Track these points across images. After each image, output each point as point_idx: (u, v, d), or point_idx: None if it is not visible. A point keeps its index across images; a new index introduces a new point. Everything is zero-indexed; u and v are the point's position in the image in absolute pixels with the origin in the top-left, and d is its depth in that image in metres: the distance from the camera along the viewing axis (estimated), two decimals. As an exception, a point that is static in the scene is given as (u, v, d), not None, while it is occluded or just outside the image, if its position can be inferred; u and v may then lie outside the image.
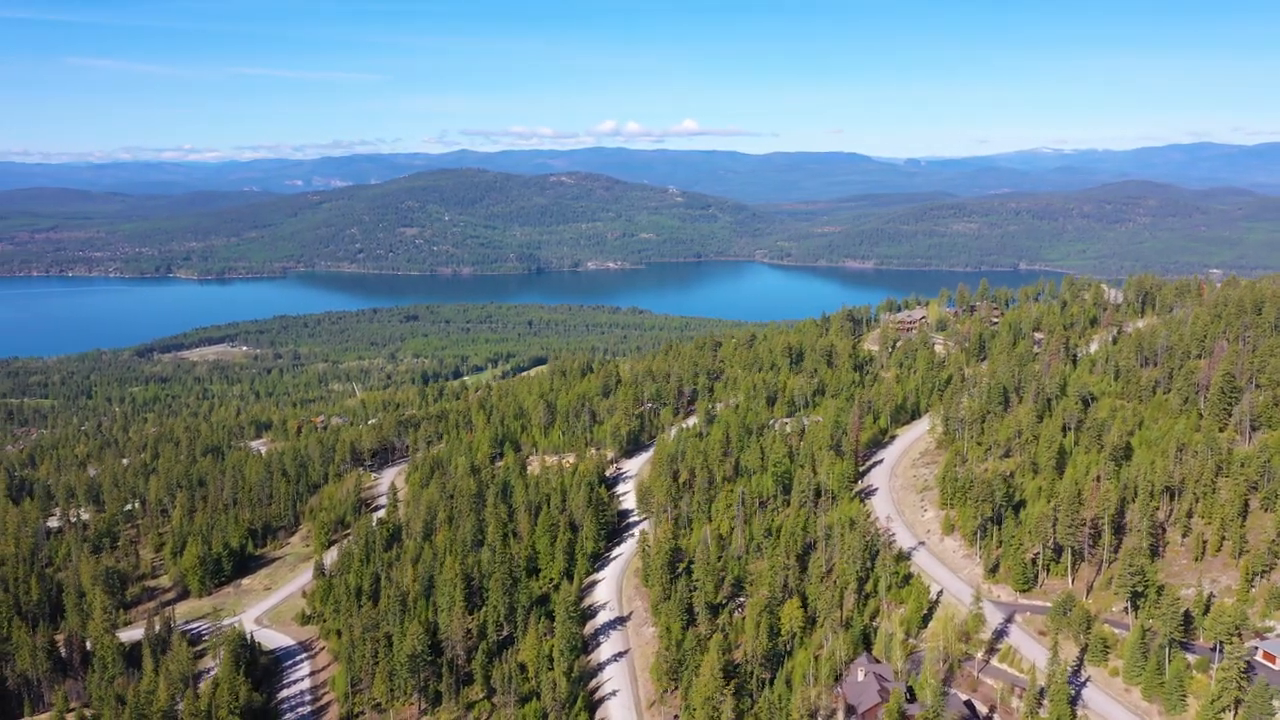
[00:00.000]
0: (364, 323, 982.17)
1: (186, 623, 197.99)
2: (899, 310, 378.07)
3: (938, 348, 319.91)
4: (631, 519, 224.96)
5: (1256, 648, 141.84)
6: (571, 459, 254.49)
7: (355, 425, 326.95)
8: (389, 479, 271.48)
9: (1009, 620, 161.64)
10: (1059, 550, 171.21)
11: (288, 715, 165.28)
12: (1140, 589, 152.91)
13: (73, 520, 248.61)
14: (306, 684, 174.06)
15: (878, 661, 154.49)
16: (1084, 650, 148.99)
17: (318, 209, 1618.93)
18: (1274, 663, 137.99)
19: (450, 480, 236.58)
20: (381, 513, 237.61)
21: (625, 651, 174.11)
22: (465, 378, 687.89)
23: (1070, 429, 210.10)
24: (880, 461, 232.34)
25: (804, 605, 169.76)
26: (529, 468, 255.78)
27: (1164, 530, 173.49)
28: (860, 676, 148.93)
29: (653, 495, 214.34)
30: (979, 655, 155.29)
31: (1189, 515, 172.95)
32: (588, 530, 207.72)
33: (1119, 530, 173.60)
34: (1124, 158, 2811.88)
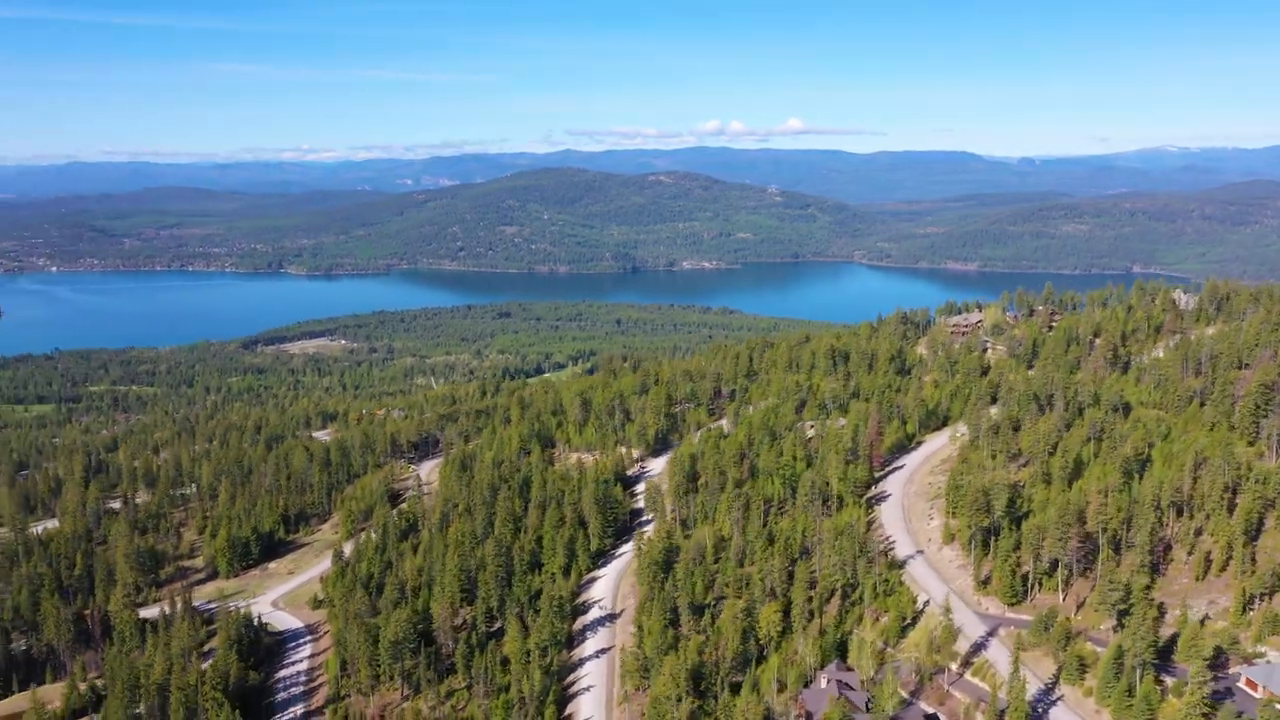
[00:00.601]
0: (458, 319, 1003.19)
1: (209, 602, 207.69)
2: (958, 313, 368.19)
3: (990, 353, 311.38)
4: (644, 518, 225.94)
5: (1239, 674, 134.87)
6: (600, 456, 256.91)
7: (410, 418, 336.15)
8: (425, 471, 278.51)
9: (991, 634, 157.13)
10: (1055, 564, 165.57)
11: (281, 694, 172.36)
12: (1125, 607, 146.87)
13: (128, 502, 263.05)
14: (305, 665, 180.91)
15: (849, 670, 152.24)
16: (1061, 668, 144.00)
17: (423, 208, 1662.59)
18: (1255, 690, 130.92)
19: (473, 474, 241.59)
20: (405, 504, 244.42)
21: (609, 648, 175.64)
22: (547, 374, 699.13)
23: (1093, 439, 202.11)
24: (901, 467, 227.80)
25: (787, 610, 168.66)
26: (557, 464, 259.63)
27: (1169, 547, 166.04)
28: (823, 684, 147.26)
29: (657, 495, 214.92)
30: (954, 668, 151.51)
31: (1198, 533, 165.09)
32: (593, 527, 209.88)
33: (1122, 546, 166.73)
34: (1254, 156, 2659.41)
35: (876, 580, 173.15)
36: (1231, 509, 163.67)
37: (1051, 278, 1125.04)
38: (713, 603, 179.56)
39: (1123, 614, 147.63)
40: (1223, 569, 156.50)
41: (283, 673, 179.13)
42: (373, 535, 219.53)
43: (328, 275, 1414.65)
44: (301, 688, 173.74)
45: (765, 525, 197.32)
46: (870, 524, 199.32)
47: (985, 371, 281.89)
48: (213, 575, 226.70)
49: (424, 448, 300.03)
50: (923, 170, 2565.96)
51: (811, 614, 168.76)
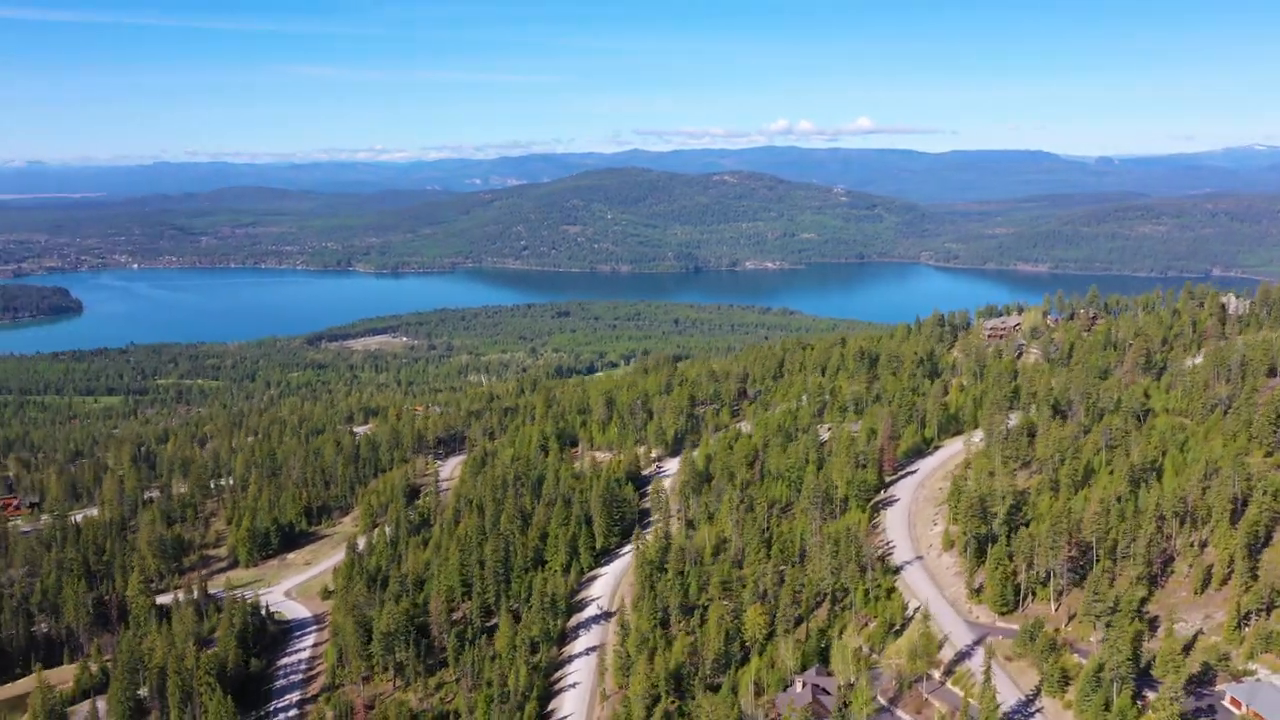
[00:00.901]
0: (517, 317, 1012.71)
1: (227, 590, 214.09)
2: (998, 316, 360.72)
3: (1026, 357, 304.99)
4: (654, 518, 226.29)
5: (1225, 692, 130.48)
6: (620, 455, 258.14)
7: (441, 415, 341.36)
8: (450, 467, 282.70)
9: (978, 643, 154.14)
10: (1050, 574, 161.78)
11: (280, 681, 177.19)
12: (1111, 619, 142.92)
13: (164, 491, 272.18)
14: (307, 654, 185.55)
15: (828, 675, 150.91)
16: (1043, 679, 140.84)
17: (489, 207, 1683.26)
18: (1239, 709, 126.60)
19: (490, 470, 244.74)
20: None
21: (599, 646, 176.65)
22: (599, 373, 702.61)
23: (1105, 447, 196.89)
24: (914, 472, 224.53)
25: (774, 613, 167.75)
26: (576, 462, 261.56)
27: (1171, 559, 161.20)
28: (799, 688, 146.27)
29: (661, 494, 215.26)
30: (936, 675, 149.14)
31: (1202, 545, 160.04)
32: (598, 526, 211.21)
33: (1123, 556, 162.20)
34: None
35: (870, 586, 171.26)
36: (1227, 520, 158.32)
37: (1126, 280, 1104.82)
38: (706, 604, 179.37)
39: (1110, 626, 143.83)
40: (1224, 583, 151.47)
41: (284, 660, 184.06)
42: (386, 529, 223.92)
43: (394, 273, 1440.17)
44: (300, 676, 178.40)
45: (766, 528, 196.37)
46: (873, 528, 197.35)
47: (1016, 376, 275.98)
48: (234, 564, 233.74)
49: (451, 444, 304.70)
50: (995, 170, 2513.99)
51: (800, 618, 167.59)
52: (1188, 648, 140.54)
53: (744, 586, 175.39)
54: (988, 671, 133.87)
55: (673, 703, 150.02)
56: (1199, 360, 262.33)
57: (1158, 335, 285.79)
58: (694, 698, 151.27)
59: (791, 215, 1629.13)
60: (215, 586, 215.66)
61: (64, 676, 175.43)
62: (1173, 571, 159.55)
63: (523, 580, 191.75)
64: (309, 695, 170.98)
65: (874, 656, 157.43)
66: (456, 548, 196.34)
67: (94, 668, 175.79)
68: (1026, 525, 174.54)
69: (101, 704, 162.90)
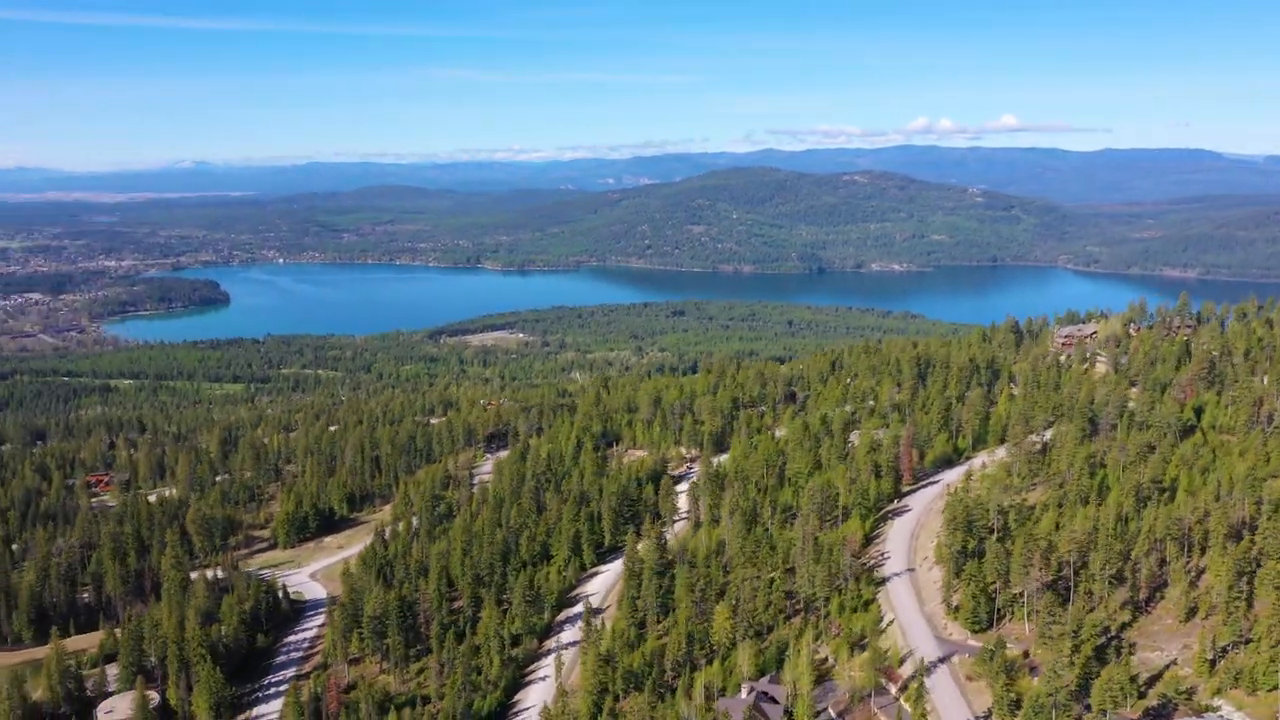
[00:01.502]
0: (632, 316, 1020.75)
1: (260, 569, 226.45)
2: (1081, 322, 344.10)
3: (1097, 367, 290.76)
4: (667, 518, 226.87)
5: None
6: (649, 454, 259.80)
7: (500, 409, 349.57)
8: (495, 461, 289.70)
9: (944, 660, 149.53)
10: (1051, 589, 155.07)
11: (281, 657, 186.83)
12: (1077, 643, 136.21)
13: (232, 474, 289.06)
14: (313, 633, 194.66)
15: (778, 684, 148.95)
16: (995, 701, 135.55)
17: (616, 206, 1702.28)
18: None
19: (519, 465, 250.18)
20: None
21: (579, 641, 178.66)
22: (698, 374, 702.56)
23: (1124, 464, 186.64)
24: (936, 482, 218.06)
25: (749, 618, 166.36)
26: (613, 460, 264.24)
27: (1165, 584, 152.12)
28: (744, 694, 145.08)
29: (669, 494, 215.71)
30: (893, 690, 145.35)
31: (1199, 572, 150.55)
32: (605, 523, 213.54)
33: (1111, 579, 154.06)
34: None
35: (850, 595, 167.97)
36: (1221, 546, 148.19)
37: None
38: (709, 604, 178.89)
39: (1077, 650, 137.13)
40: (1209, 614, 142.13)
41: (291, 638, 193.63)
42: (412, 519, 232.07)
43: (521, 271, 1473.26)
44: (301, 653, 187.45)
45: (767, 532, 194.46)
46: (875, 538, 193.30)
47: (1059, 386, 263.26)
48: (274, 545, 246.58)
49: (503, 439, 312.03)
50: (1150, 170, 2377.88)
51: (771, 626, 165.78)
52: (1154, 678, 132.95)
53: (723, 591, 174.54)
54: (920, 689, 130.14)
55: (617, 701, 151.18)
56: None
57: (1240, 348, 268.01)
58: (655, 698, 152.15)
59: (922, 216, 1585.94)
60: (251, 565, 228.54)
61: (93, 642, 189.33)
62: (1163, 598, 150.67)
63: (518, 574, 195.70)
64: (303, 673, 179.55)
65: (837, 668, 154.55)
66: (461, 539, 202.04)
67: (119, 634, 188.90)
68: (1004, 541, 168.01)
69: (114, 669, 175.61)
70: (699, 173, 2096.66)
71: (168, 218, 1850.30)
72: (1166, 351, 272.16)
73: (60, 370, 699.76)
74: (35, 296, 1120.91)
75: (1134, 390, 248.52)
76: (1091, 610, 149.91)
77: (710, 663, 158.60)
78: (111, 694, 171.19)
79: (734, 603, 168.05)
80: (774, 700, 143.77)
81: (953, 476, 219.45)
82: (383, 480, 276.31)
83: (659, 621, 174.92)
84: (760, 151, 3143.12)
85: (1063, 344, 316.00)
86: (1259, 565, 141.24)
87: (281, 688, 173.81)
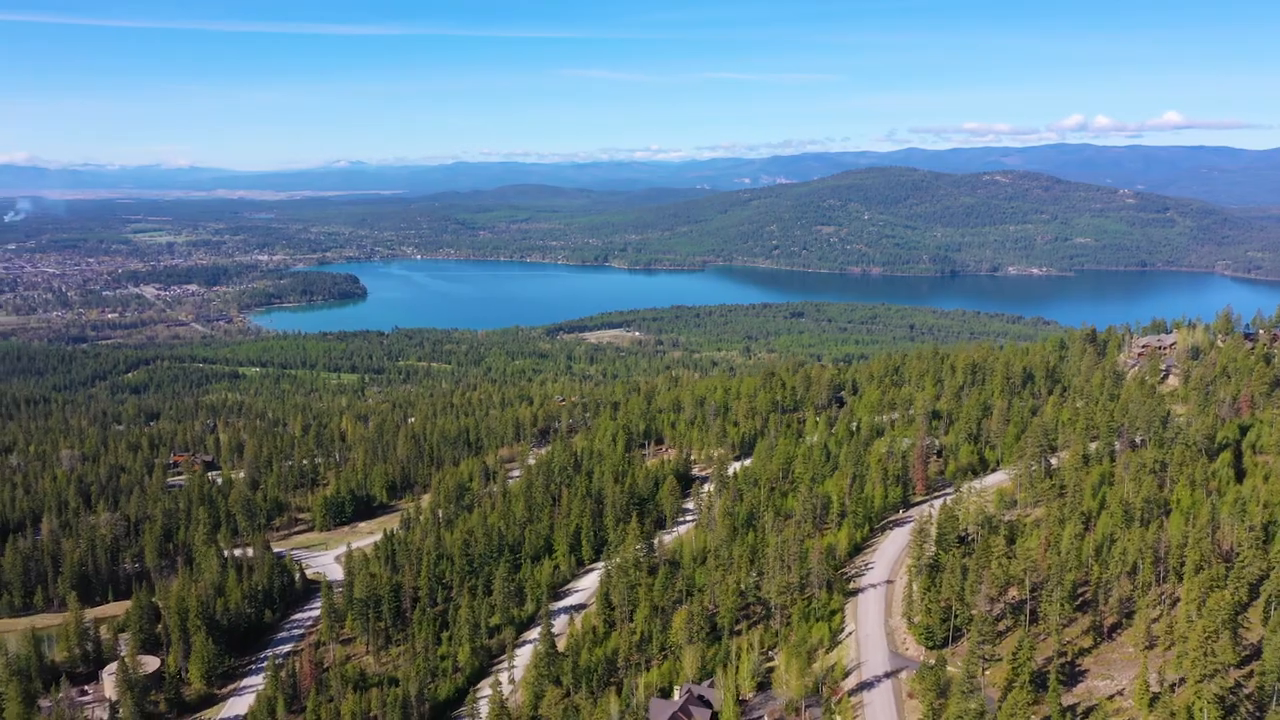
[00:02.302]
0: (750, 317, 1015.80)
1: (293, 549, 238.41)
2: (1165, 332, 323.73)
3: (1172, 380, 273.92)
4: (684, 518, 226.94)
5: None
6: (675, 454, 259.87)
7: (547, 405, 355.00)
8: (536, 456, 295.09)
9: (891, 675, 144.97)
10: (1018, 609, 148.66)
11: (283, 633, 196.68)
12: (1015, 665, 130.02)
13: (292, 460, 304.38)
14: (318, 613, 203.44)
15: (712, 688, 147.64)
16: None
17: (746, 206, 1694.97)
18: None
19: (550, 461, 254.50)
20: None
21: (559, 634, 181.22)
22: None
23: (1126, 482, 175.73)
24: (949, 493, 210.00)
25: (712, 619, 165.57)
26: (648, 460, 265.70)
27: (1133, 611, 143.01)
28: (676, 696, 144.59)
29: (675, 494, 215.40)
30: (831, 703, 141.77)
31: (1174, 600, 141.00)
32: (608, 521, 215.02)
33: (1087, 605, 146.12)
34: None
35: (818, 604, 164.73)
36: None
37: None
38: (666, 605, 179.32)
39: (1016, 673, 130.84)
40: (1169, 644, 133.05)
41: (298, 616, 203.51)
42: (437, 510, 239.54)
43: (647, 269, 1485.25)
44: (303, 631, 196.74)
45: (760, 537, 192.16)
46: (866, 547, 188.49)
47: (1153, 396, 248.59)
48: (313, 528, 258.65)
49: (551, 435, 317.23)
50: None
51: (736, 630, 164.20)
52: (1092, 709, 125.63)
53: (690, 593, 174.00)
54: (839, 703, 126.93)
55: (567, 696, 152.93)
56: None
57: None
58: (593, 693, 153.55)
59: (1066, 218, 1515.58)
60: (285, 545, 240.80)
61: (121, 610, 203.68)
62: (1133, 624, 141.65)
63: (516, 567, 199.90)
64: (298, 649, 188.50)
65: (785, 677, 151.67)
66: (463, 531, 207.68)
67: (145, 603, 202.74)
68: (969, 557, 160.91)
69: (127, 635, 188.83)
70: (838, 172, 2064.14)
71: (319, 215, 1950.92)
72: (1243, 364, 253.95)
73: (197, 357, 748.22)
74: (192, 288, 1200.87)
75: (1187, 406, 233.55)
76: (1052, 636, 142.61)
77: (664, 663, 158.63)
78: (122, 658, 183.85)
79: (696, 606, 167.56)
80: (707, 704, 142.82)
81: (974, 487, 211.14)
82: (425, 470, 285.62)
83: (631, 620, 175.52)
84: (902, 150, 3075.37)
85: (1139, 354, 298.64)
86: (1249, 600, 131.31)
87: (276, 662, 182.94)
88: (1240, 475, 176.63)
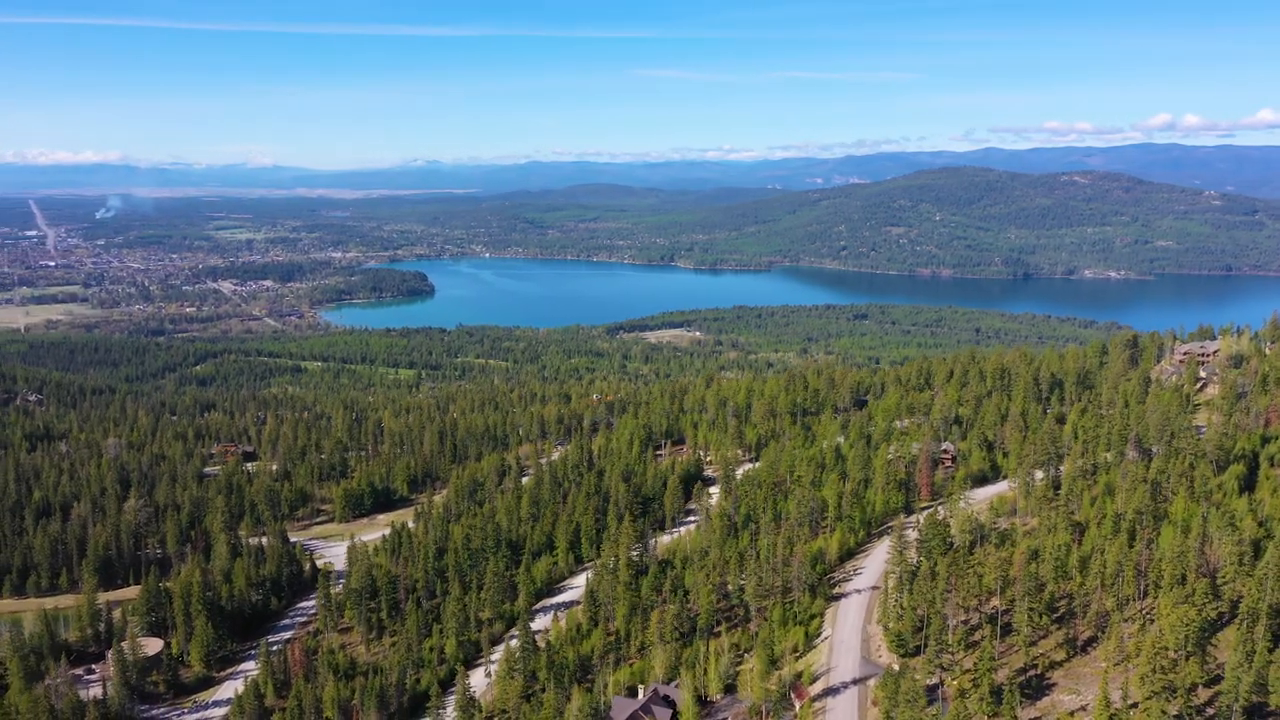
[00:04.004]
0: (812, 318, 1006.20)
1: (310, 539, 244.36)
2: (1211, 338, 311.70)
3: (1212, 388, 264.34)
4: (689, 519, 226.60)
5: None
6: (688, 454, 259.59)
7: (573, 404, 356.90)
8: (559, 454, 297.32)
9: (860, 681, 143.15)
10: (995, 619, 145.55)
11: (286, 620, 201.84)
12: (976, 676, 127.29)
13: (323, 452, 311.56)
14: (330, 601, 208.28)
15: (677, 689, 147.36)
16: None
17: (815, 206, 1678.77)
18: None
19: (562, 460, 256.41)
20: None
21: (544, 630, 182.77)
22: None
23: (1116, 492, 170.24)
24: (959, 500, 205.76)
25: (693, 620, 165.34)
26: (664, 460, 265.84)
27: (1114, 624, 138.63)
28: (640, 695, 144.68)
29: (677, 496, 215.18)
30: (797, 707, 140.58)
31: (1153, 615, 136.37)
32: (611, 519, 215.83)
33: (1066, 617, 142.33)
34: None
35: (799, 608, 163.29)
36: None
37: None
38: (649, 606, 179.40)
39: (975, 684, 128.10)
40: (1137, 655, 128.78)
41: (304, 604, 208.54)
42: (449, 504, 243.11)
43: (712, 270, 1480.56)
44: (305, 619, 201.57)
45: (754, 539, 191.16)
46: (859, 552, 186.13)
47: (1181, 405, 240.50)
48: (333, 519, 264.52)
49: (574, 432, 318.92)
50: None
51: (713, 631, 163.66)
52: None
53: (678, 594, 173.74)
54: (778, 706, 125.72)
55: (543, 691, 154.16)
56: None
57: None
58: (564, 689, 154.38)
59: (1147, 220, 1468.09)
60: (304, 535, 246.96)
61: (136, 593, 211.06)
62: (1110, 637, 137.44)
63: (501, 561, 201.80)
64: (298, 636, 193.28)
65: (752, 679, 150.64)
66: (465, 526, 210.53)
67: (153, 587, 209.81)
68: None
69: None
70: (913, 171, 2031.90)
71: (393, 213, 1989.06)
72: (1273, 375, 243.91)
73: (263, 351, 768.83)
74: (267, 283, 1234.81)
75: (1214, 416, 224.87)
76: (1033, 644, 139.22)
77: (638, 662, 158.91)
78: (122, 640, 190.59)
79: (677, 606, 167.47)
80: (670, 704, 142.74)
81: (979, 495, 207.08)
82: (448, 465, 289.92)
83: (613, 619, 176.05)
84: (980, 150, 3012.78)
85: (1181, 361, 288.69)
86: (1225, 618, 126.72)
87: (274, 647, 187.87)
88: (1250, 488, 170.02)
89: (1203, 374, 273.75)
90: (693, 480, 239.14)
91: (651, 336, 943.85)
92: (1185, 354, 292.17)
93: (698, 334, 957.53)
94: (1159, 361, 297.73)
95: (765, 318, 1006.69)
